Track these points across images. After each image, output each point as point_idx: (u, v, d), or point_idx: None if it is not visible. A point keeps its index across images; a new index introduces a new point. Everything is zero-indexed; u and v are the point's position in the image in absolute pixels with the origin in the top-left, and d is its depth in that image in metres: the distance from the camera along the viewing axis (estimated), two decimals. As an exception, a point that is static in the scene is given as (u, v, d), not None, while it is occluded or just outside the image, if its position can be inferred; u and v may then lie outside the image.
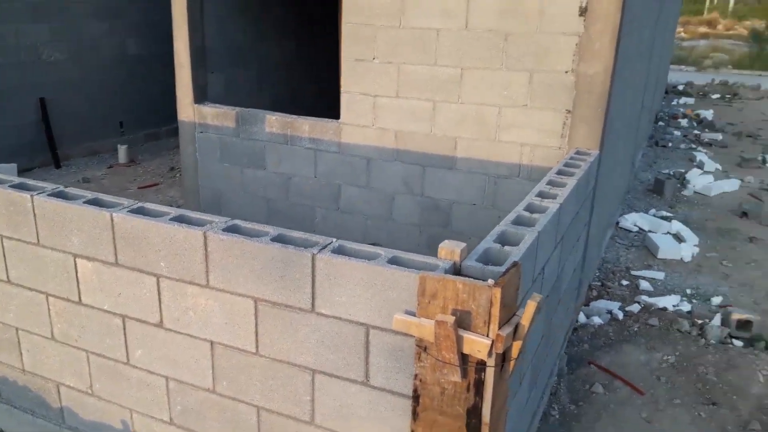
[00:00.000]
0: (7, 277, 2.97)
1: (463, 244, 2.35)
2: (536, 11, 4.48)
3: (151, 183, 7.91)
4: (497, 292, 2.07)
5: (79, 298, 2.80)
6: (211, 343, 2.55)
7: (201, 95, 5.89)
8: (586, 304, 5.06)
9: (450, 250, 2.33)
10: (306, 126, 5.41)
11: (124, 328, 2.73)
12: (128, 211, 2.63)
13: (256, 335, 2.46)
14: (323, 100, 8.48)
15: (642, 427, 3.68)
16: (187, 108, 5.83)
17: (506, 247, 2.53)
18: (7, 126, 7.98)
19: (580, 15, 4.35)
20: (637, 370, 4.22)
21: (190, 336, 2.59)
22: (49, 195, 2.81)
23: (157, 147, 9.64)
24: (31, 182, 2.97)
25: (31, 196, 2.79)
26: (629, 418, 3.76)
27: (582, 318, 4.83)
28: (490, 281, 2.10)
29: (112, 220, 2.61)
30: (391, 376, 2.28)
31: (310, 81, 8.27)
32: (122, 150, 8.69)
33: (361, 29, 5.03)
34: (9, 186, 2.91)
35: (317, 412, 2.43)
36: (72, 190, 2.89)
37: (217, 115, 5.73)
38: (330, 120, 5.38)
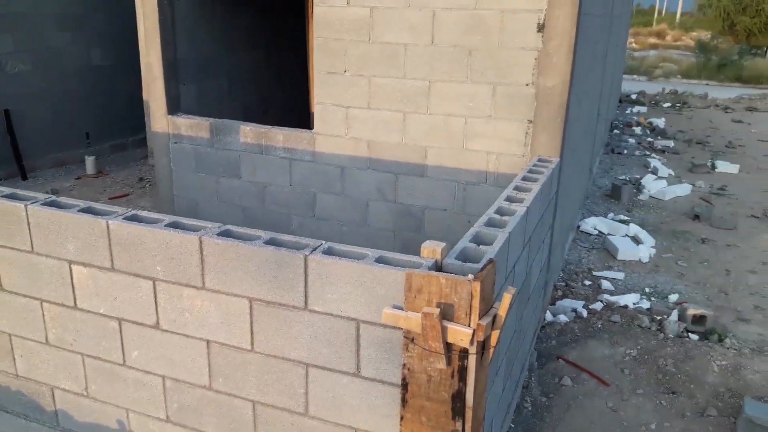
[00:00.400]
0: (0, 284, 3.04)
1: (443, 244, 2.56)
2: (497, 28, 4.73)
3: (121, 194, 7.91)
4: (477, 286, 2.27)
5: (75, 303, 2.89)
6: (207, 342, 2.68)
7: (174, 106, 5.98)
8: (552, 303, 5.34)
9: (431, 249, 2.53)
10: (280, 136, 5.56)
11: (121, 331, 2.83)
12: (123, 218, 2.75)
13: (251, 333, 2.60)
14: (293, 109, 8.64)
15: (608, 416, 3.94)
16: (160, 119, 5.91)
17: (481, 247, 2.74)
18: (-30, 138, 7.90)
19: (538, 31, 4.63)
20: (602, 363, 4.50)
21: (186, 336, 2.71)
22: (42, 204, 2.90)
23: (124, 158, 9.62)
24: (22, 192, 3.05)
25: (25, 205, 2.88)
26: (596, 407, 4.01)
27: (549, 316, 5.09)
28: (470, 276, 2.31)
29: (108, 227, 2.72)
30: (381, 366, 2.46)
31: (280, 90, 8.40)
32: (90, 161, 8.65)
33: (331, 43, 5.22)
34: (1, 196, 2.99)
35: (311, 403, 2.59)
36: (64, 199, 2.98)
37: (191, 126, 5.82)
38: (304, 130, 5.54)
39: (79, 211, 2.83)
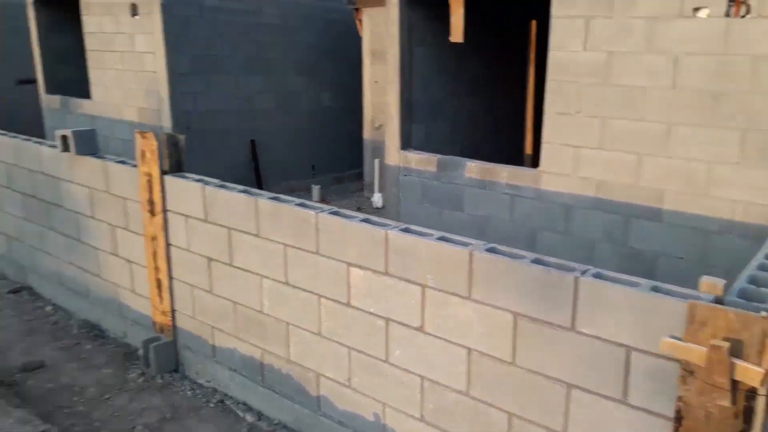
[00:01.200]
0: (286, 279, 3.52)
1: (724, 280, 2.48)
2: (748, 73, 4.50)
3: (342, 221, 8.63)
4: (771, 325, 2.17)
5: (348, 300, 3.25)
6: (469, 349, 2.85)
7: (406, 143, 6.48)
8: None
9: (712, 284, 2.46)
10: (504, 173, 5.74)
11: (387, 330, 3.12)
12: (399, 230, 3.06)
13: (513, 347, 2.72)
14: (504, 152, 8.81)
15: None
16: (394, 153, 6.43)
17: (762, 289, 2.60)
18: (224, 162, 9.22)
19: (796, 76, 4.31)
20: None
21: (448, 341, 2.91)
22: (329, 213, 3.33)
23: (342, 189, 10.53)
24: (308, 203, 3.53)
25: (316, 213, 3.33)
26: None
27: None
28: (764, 313, 2.21)
29: (386, 236, 3.04)
30: (651, 396, 2.42)
31: (493, 133, 8.66)
32: (316, 189, 9.60)
33: (564, 86, 5.32)
34: (294, 204, 3.49)
35: (570, 424, 2.61)
36: (345, 212, 3.39)
37: (420, 161, 6.25)
38: (528, 168, 5.67)
39: (360, 221, 3.21)
